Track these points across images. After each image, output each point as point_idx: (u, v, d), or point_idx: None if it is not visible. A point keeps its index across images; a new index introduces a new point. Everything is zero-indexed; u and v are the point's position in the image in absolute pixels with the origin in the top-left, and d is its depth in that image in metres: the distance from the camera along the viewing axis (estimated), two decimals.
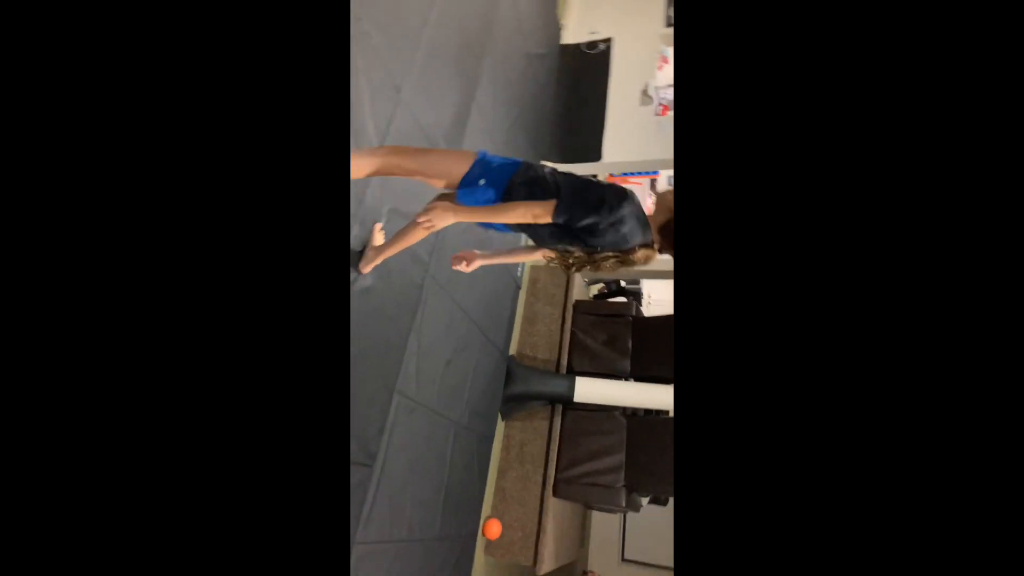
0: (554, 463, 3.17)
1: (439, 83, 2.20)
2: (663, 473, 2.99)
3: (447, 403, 2.41)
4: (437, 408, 2.31)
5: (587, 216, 1.13)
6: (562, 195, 1.14)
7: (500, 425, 3.24)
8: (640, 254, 1.17)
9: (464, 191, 1.21)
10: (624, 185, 1.20)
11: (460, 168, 1.21)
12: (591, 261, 1.20)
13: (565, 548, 3.44)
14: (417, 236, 1.57)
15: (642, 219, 1.16)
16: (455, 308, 2.48)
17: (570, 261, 1.23)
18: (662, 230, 1.17)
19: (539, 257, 1.36)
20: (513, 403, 3.27)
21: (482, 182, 1.19)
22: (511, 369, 3.25)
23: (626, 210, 1.13)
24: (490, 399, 2.99)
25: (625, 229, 1.13)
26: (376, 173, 1.27)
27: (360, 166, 1.28)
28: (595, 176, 4.78)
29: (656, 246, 1.19)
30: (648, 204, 1.21)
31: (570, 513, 3.55)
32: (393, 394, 1.93)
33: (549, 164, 1.22)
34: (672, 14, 4.28)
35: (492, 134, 2.85)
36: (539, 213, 1.15)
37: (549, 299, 3.63)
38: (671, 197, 1.17)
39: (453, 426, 2.47)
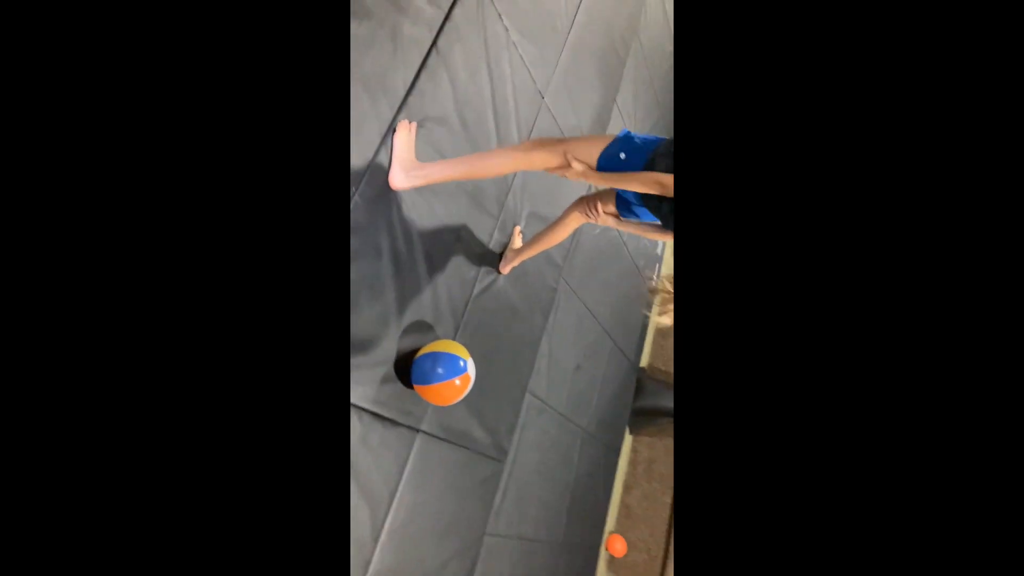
0: None
1: (581, 86, 2.20)
2: None
3: (575, 408, 2.38)
4: (565, 412, 2.30)
5: None
6: None
7: (627, 438, 3.12)
8: None
9: (603, 163, 1.16)
10: None
11: (601, 147, 1.17)
12: None
13: None
14: (554, 240, 1.57)
15: None
16: (586, 313, 2.45)
17: None
18: None
19: (668, 238, 1.24)
20: (642, 417, 3.12)
21: (622, 155, 1.14)
22: (641, 381, 3.11)
23: None
24: (618, 410, 2.90)
25: None
26: (522, 167, 1.29)
27: (506, 162, 1.33)
28: None
29: None
30: None
31: None
32: (525, 393, 1.97)
33: None
34: None
35: None
36: (667, 184, 1.05)
37: None
38: None
39: (580, 432, 2.44)
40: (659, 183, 1.07)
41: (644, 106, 2.92)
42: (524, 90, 1.77)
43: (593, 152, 1.19)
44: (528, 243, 1.68)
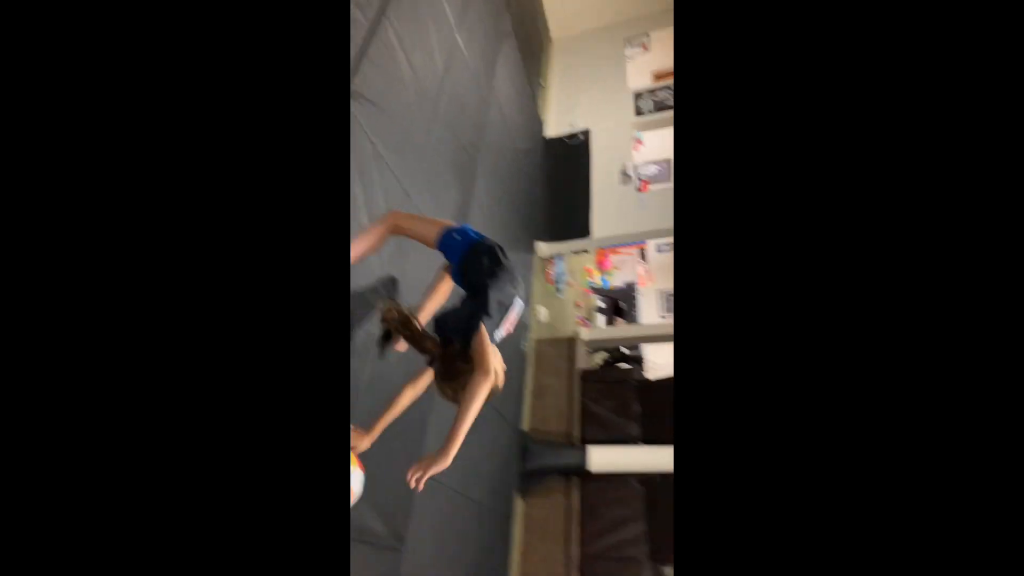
0: (577, 539, 3.12)
1: (441, 185, 2.49)
2: None
3: (467, 482, 2.45)
4: (458, 488, 2.35)
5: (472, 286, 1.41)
6: (460, 266, 1.43)
7: (518, 503, 3.22)
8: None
9: (443, 241, 1.49)
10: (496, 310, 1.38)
11: (440, 228, 1.50)
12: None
13: None
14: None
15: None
16: None
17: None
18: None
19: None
20: (530, 479, 3.27)
21: (457, 236, 1.47)
22: (524, 444, 3.29)
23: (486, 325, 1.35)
24: (507, 476, 3.01)
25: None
26: (389, 233, 1.54)
27: (374, 235, 1.52)
28: (585, 251, 5.05)
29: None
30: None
31: None
32: None
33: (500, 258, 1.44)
34: (640, 105, 4.81)
35: (490, 222, 3.13)
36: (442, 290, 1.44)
37: (555, 371, 3.74)
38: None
39: (474, 506, 2.49)
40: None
41: (497, 195, 3.34)
42: (393, 193, 1.98)
43: (434, 231, 1.48)
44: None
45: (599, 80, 5.17)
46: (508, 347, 3.32)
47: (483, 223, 3.02)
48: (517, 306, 1.45)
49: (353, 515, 1.60)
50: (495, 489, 2.77)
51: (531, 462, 3.23)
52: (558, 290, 4.86)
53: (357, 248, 1.53)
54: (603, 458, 3.25)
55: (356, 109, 1.79)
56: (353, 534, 1.57)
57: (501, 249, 1.46)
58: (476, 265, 1.43)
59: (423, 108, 2.34)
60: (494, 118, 3.45)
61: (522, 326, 3.65)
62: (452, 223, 1.52)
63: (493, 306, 1.37)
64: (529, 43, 4.70)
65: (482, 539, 2.52)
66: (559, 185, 4.51)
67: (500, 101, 3.60)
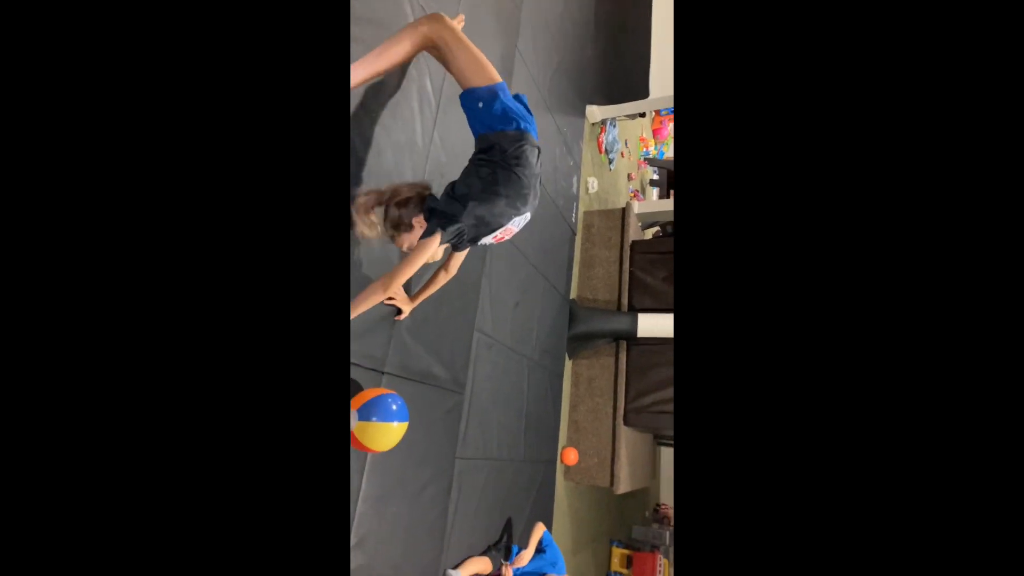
0: (623, 395, 3.34)
1: (482, 37, 2.27)
2: None
3: (519, 340, 2.61)
4: (511, 345, 2.51)
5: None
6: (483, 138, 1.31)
7: (568, 363, 3.43)
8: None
9: (466, 97, 1.30)
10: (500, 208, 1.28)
11: (479, 80, 1.28)
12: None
13: (639, 473, 3.65)
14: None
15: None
16: (517, 253, 2.63)
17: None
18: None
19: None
20: (577, 342, 3.43)
21: (480, 104, 1.26)
22: (572, 311, 3.40)
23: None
24: (556, 338, 3.18)
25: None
26: (423, 48, 1.29)
27: (406, 42, 1.27)
28: (642, 115, 4.66)
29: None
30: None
31: (641, 444, 3.74)
32: (473, 331, 2.14)
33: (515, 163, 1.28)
34: None
35: (537, 82, 2.89)
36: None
37: (605, 242, 3.70)
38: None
39: (526, 361, 2.68)
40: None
41: (544, 49, 3.04)
42: None
43: (472, 78, 1.27)
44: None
45: None
46: (558, 221, 3.29)
47: (529, 84, 2.80)
48: (515, 223, 1.31)
49: (419, 364, 1.76)
50: (545, 349, 2.95)
51: (578, 327, 3.37)
52: (610, 161, 4.60)
53: (380, 60, 1.27)
54: (651, 324, 3.32)
55: None
56: (419, 377, 1.74)
57: (522, 150, 1.24)
58: (478, 165, 1.26)
59: None
60: None
61: (571, 197, 3.56)
62: (497, 79, 1.30)
63: (467, 219, 1.24)
64: None
65: (534, 390, 2.75)
66: (614, 38, 4.02)
67: None
